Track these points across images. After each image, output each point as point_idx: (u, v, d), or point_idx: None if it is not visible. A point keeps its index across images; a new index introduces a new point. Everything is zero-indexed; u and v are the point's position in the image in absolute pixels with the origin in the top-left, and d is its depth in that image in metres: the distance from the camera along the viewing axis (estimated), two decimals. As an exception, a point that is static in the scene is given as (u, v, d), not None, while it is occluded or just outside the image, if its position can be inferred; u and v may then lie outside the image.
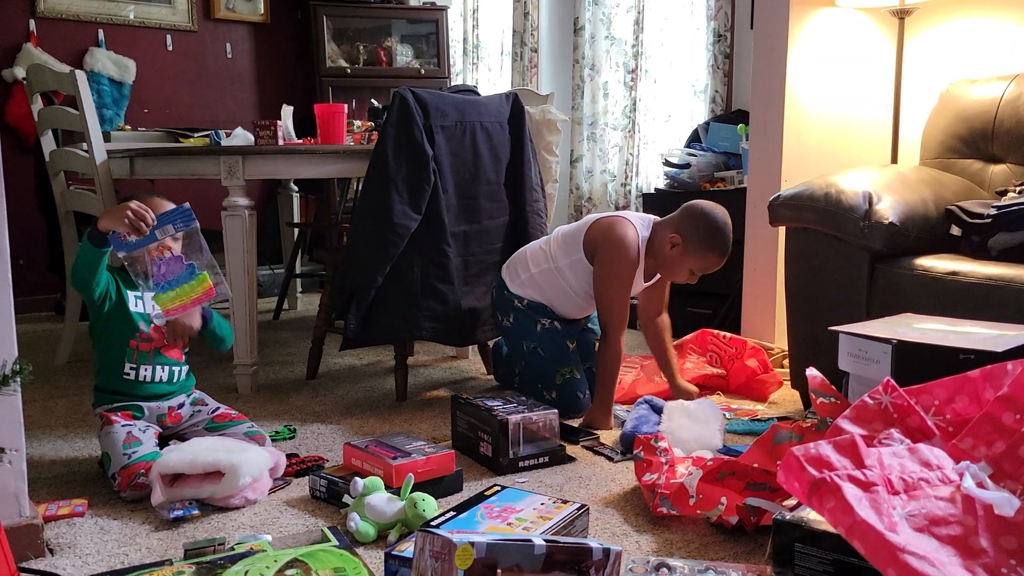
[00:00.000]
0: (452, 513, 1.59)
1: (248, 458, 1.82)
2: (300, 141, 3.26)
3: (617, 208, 4.28)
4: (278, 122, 2.85)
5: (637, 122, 4.24)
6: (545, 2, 4.81)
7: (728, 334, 2.89)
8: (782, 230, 2.57)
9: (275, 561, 1.50)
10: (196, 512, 1.76)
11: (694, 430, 2.10)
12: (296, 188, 4.40)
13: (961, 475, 1.32)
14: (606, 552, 1.25)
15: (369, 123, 3.17)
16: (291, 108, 3.59)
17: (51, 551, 1.62)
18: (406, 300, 2.56)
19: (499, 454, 2.01)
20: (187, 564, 1.49)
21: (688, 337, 2.96)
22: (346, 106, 3.01)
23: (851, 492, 1.25)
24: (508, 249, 2.74)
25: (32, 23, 4.37)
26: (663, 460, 1.83)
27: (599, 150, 4.42)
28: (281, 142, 2.84)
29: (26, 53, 4.29)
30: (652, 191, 4.06)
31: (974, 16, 2.95)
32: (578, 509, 1.64)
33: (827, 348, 1.93)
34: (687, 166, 3.68)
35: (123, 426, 1.97)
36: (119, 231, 1.90)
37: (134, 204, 1.91)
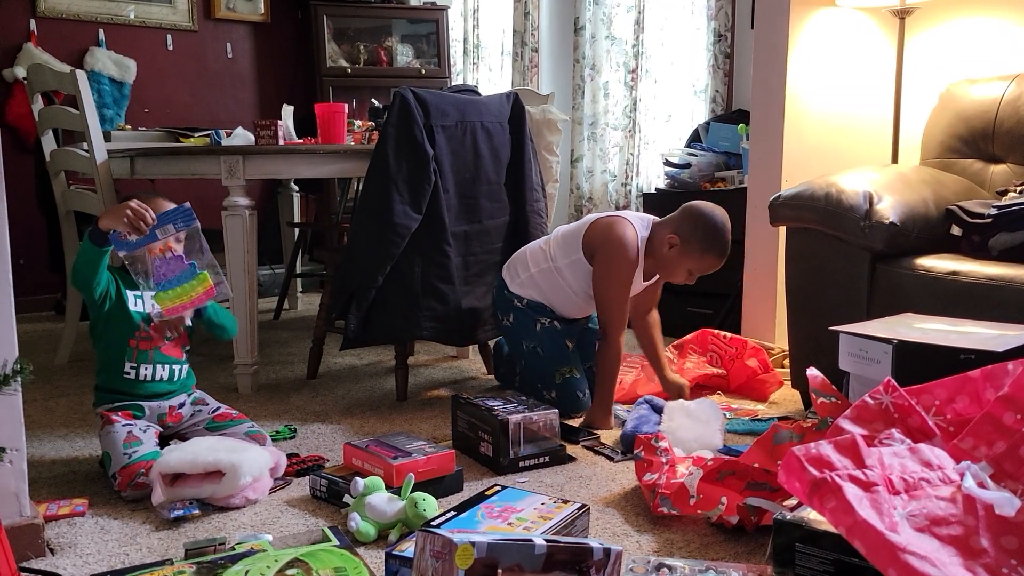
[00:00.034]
0: (453, 513, 1.59)
1: (249, 458, 1.82)
2: (300, 141, 3.26)
3: (617, 208, 4.28)
4: (278, 122, 2.85)
5: (637, 122, 4.24)
6: (545, 2, 4.81)
7: (728, 334, 2.88)
8: (782, 230, 2.57)
9: (276, 561, 1.50)
10: (196, 512, 1.76)
11: (694, 430, 2.10)
12: (296, 188, 4.40)
13: (962, 475, 1.32)
14: (607, 552, 1.25)
15: (370, 123, 3.17)
16: (291, 108, 3.59)
17: (52, 551, 1.62)
18: (407, 300, 2.55)
19: (499, 454, 2.01)
20: (187, 564, 1.49)
21: (688, 337, 2.96)
22: (346, 106, 3.01)
23: (852, 492, 1.25)
24: (508, 249, 2.74)
25: (32, 23, 4.37)
26: (663, 460, 1.83)
27: (599, 150, 4.42)
28: (281, 142, 2.84)
29: (27, 53, 4.29)
30: (652, 191, 4.06)
31: (974, 16, 2.95)
32: (579, 509, 1.64)
33: (827, 348, 1.93)
34: (687, 166, 3.68)
35: (124, 426, 1.97)
36: (120, 230, 1.90)
37: (134, 203, 1.91)
